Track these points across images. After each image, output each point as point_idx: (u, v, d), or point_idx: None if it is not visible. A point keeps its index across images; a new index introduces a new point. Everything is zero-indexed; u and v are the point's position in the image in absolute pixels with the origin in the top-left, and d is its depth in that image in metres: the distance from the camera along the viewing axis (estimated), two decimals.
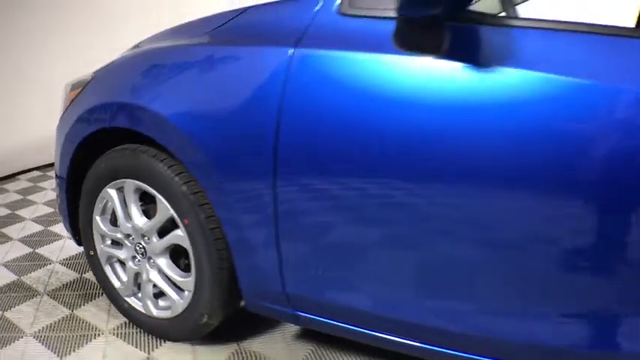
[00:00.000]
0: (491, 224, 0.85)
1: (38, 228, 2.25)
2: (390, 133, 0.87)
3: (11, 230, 2.24)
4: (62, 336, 1.44)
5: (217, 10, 1.33)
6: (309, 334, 1.43)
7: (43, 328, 1.48)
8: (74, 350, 1.37)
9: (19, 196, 2.69)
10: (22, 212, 2.45)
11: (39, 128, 2.91)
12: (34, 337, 1.43)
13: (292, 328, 1.46)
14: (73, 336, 1.44)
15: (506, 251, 0.85)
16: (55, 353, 1.36)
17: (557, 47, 0.80)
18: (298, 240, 1.04)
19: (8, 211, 2.47)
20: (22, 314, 1.55)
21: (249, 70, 1.02)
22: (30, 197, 2.67)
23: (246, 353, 1.36)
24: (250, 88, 1.01)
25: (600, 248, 0.78)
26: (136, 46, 1.49)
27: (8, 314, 1.55)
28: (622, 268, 0.78)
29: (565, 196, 0.78)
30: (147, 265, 1.36)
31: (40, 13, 2.93)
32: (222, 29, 1.17)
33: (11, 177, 3.00)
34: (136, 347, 1.39)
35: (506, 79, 0.79)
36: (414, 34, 0.83)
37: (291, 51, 0.97)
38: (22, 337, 1.43)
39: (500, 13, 1.45)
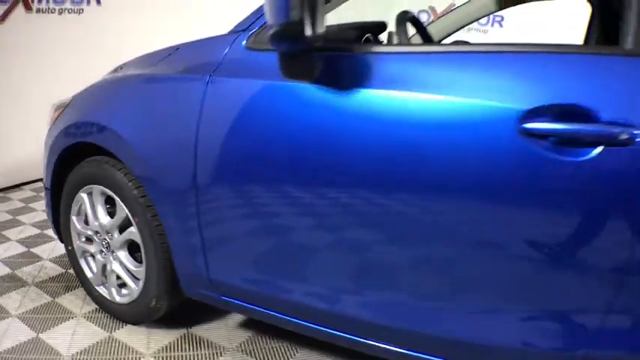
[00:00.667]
0: (347, 218, 1.09)
1: (35, 231, 2.55)
2: (276, 143, 1.13)
3: (10, 233, 2.54)
4: (41, 317, 1.71)
5: None
6: (251, 323, 1.67)
7: (26, 311, 1.76)
8: (49, 329, 1.65)
9: (22, 204, 3.00)
10: (22, 218, 2.76)
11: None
12: (18, 317, 1.71)
13: (237, 317, 1.71)
14: (50, 318, 1.71)
15: (388, 241, 1.06)
16: (33, 330, 1.63)
17: (410, 68, 1.01)
18: (216, 233, 1.30)
19: (10, 217, 2.79)
20: (10, 300, 1.83)
21: (177, 94, 1.30)
22: (31, 205, 2.98)
23: (192, 336, 1.61)
24: (177, 109, 1.29)
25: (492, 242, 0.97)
26: (115, 70, 1.78)
27: (3, 301, 1.83)
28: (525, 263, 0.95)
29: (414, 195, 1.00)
30: (110, 258, 1.63)
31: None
32: (162, 62, 1.45)
33: (16, 187, 3.33)
34: (101, 328, 1.65)
35: (365, 99, 1.02)
36: (291, 64, 1.05)
37: (207, 78, 1.24)
38: (7, 318, 1.71)
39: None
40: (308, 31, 0.94)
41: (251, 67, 1.19)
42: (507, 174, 0.91)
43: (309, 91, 1.07)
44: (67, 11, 3.51)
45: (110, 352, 1.52)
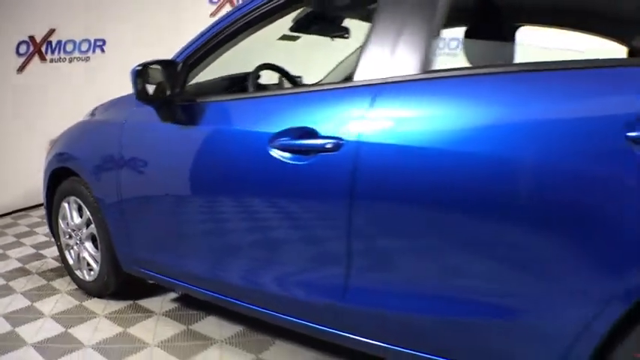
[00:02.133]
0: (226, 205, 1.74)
1: (45, 239, 3.31)
2: (157, 160, 1.79)
3: (27, 240, 3.32)
4: (35, 294, 2.43)
5: None
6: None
7: (26, 290, 2.48)
8: (39, 297, 2.36)
9: (39, 219, 3.79)
10: (38, 229, 3.54)
11: None
12: (22, 294, 2.43)
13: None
14: (37, 293, 2.43)
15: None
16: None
17: (220, 112, 1.63)
18: (135, 225, 1.97)
19: (28, 229, 3.58)
20: (14, 281, 2.56)
21: (109, 132, 1.99)
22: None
23: (136, 305, 2.27)
24: (107, 140, 1.98)
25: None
26: (91, 112, 2.51)
27: (10, 283, 2.56)
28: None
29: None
30: (82, 247, 2.33)
31: None
32: (106, 110, 2.16)
33: (38, 206, 4.11)
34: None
35: (196, 132, 1.63)
36: (159, 112, 1.70)
37: (123, 122, 1.94)
38: (11, 294, 2.43)
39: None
40: (168, 92, 1.63)
41: (144, 114, 1.84)
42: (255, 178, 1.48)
43: (170, 127, 1.71)
44: (75, 59, 4.34)
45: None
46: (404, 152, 1.15)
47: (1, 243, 3.26)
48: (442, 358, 1.23)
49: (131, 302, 2.28)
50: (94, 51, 4.48)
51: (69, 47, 4.30)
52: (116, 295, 2.32)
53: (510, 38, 1.83)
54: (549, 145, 1.04)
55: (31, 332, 2.02)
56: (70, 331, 2.04)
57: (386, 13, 1.28)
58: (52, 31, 4.11)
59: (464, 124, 1.12)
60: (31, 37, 3.98)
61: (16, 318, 2.16)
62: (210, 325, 2.04)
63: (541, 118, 1.06)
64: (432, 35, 1.22)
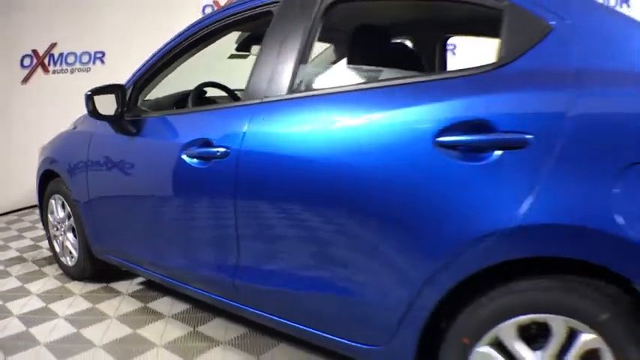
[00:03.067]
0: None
1: (43, 233, 3.77)
2: (114, 164, 2.19)
3: (28, 233, 3.80)
4: (27, 277, 2.88)
5: None
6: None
7: (20, 274, 2.93)
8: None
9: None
10: (39, 225, 3.98)
11: None
12: (16, 277, 2.88)
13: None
14: (29, 277, 2.87)
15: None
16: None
17: (154, 126, 2.06)
18: (101, 218, 2.39)
19: (30, 224, 4.06)
20: (11, 267, 3.02)
21: (80, 140, 2.42)
22: None
23: (108, 287, 2.69)
24: (80, 148, 2.40)
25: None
26: (74, 122, 2.95)
27: (8, 269, 3.02)
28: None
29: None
30: (65, 238, 2.77)
31: None
32: (81, 122, 2.59)
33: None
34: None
35: (138, 142, 2.04)
36: (112, 125, 2.15)
37: (91, 133, 2.36)
38: (6, 277, 2.89)
39: None
40: (118, 110, 2.05)
41: (106, 127, 2.23)
42: None
43: (122, 138, 2.13)
44: (77, 70, 4.82)
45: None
46: (271, 158, 1.51)
47: (4, 236, 3.75)
48: (309, 327, 1.56)
49: (104, 284, 2.71)
50: (94, 62, 4.95)
51: (70, 59, 4.78)
52: (94, 279, 2.74)
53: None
54: (377, 150, 1.28)
55: (17, 307, 2.46)
56: (49, 306, 2.47)
57: (266, 46, 1.66)
58: (53, 45, 4.60)
59: (313, 135, 1.46)
60: (34, 51, 4.48)
61: (8, 296, 2.60)
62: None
63: (370, 128, 1.32)
64: (301, 62, 1.56)
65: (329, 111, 1.46)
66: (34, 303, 2.51)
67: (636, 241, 0.99)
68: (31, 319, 2.32)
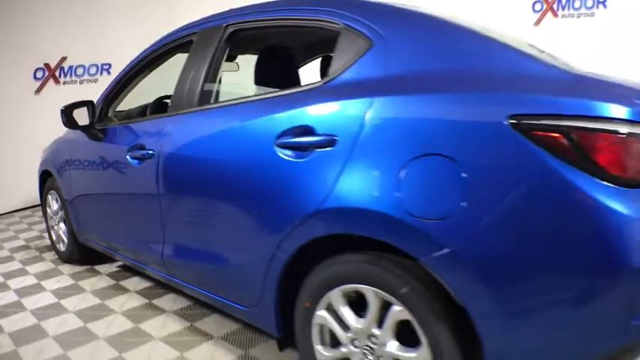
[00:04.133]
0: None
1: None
2: (87, 164, 2.70)
3: (37, 226, 4.37)
4: (28, 261, 3.42)
5: None
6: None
7: (23, 259, 3.47)
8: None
9: None
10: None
11: None
12: (19, 261, 3.43)
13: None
14: (30, 261, 3.41)
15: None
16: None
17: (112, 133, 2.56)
18: (80, 209, 2.89)
19: (39, 219, 4.63)
20: (16, 253, 3.57)
21: (66, 145, 2.94)
22: None
23: (94, 270, 3.19)
24: (65, 151, 2.92)
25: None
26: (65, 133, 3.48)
27: (13, 254, 3.57)
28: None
29: None
30: (58, 227, 3.30)
31: None
32: (68, 131, 3.11)
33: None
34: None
35: (101, 146, 2.54)
36: (86, 132, 2.64)
37: (75, 139, 2.86)
38: (11, 261, 3.43)
39: None
40: (89, 120, 2.55)
41: (83, 134, 2.74)
42: None
43: (92, 143, 2.62)
44: (85, 81, 5.41)
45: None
46: (178, 158, 1.97)
47: (16, 228, 4.34)
48: (211, 293, 1.98)
49: (89, 267, 3.22)
50: (101, 73, 5.53)
51: (79, 71, 5.38)
52: (82, 262, 3.25)
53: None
54: (242, 149, 1.68)
55: (15, 283, 2.99)
56: (41, 282, 2.99)
57: (184, 68, 2.10)
58: (64, 59, 5.20)
59: (203, 139, 1.88)
60: (46, 64, 5.09)
61: (9, 275, 3.14)
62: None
63: (239, 132, 1.72)
64: (206, 81, 1.98)
65: (215, 120, 1.88)
66: (29, 280, 3.04)
67: (415, 223, 1.20)
68: (24, 292, 2.84)
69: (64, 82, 5.27)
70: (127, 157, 2.23)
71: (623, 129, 1.03)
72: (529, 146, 1.07)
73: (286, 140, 1.53)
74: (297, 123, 1.52)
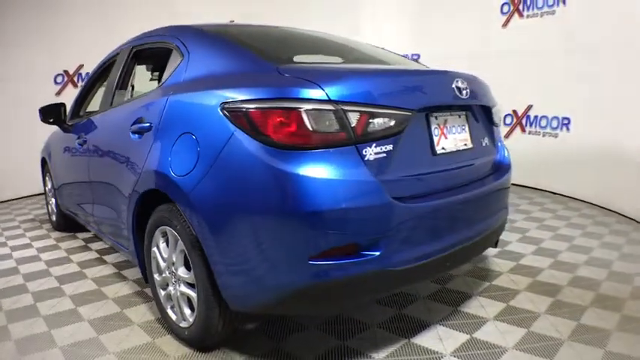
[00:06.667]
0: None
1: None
2: (63, 153, 3.58)
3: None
4: (31, 232, 4.36)
5: None
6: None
7: (26, 229, 4.43)
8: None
9: None
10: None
11: None
12: (24, 229, 4.38)
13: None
14: (32, 232, 4.36)
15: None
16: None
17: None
18: (59, 181, 3.78)
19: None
20: (24, 224, 4.54)
21: (54, 136, 3.85)
22: None
23: (72, 235, 4.09)
24: (53, 140, 3.83)
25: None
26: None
27: (21, 225, 4.53)
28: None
29: None
30: (51, 202, 4.22)
31: None
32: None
33: None
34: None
35: (71, 138, 3.42)
36: (60, 127, 3.53)
37: (58, 132, 3.77)
38: (17, 233, 4.39)
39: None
40: (62, 117, 3.44)
41: (64, 129, 3.65)
42: None
43: (65, 135, 3.49)
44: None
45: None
46: (91, 145, 2.83)
47: (30, 207, 5.35)
48: (114, 240, 2.78)
49: (71, 234, 4.11)
50: None
51: None
52: (66, 229, 4.16)
53: None
54: (112, 135, 2.59)
55: (12, 243, 3.92)
56: (32, 243, 3.90)
57: (108, 79, 2.95)
58: (81, 66, 6.22)
59: (98, 131, 2.76)
60: (65, 71, 6.12)
61: (10, 236, 4.09)
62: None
63: (114, 125, 2.63)
64: (117, 89, 2.80)
65: (111, 116, 2.73)
66: (23, 241, 3.96)
67: (173, 179, 1.85)
68: (16, 247, 3.77)
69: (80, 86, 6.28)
70: (76, 144, 3.09)
71: (265, 104, 1.58)
72: (227, 123, 1.66)
73: (134, 127, 2.27)
74: (138, 115, 2.28)
